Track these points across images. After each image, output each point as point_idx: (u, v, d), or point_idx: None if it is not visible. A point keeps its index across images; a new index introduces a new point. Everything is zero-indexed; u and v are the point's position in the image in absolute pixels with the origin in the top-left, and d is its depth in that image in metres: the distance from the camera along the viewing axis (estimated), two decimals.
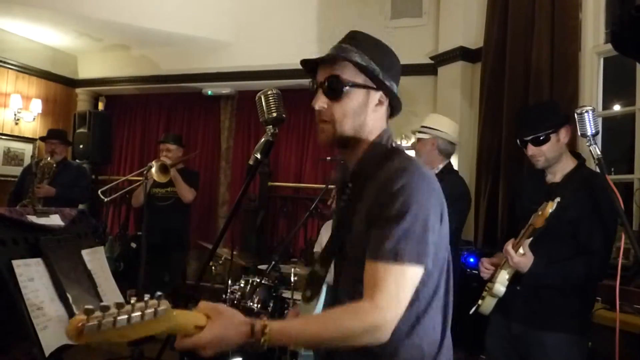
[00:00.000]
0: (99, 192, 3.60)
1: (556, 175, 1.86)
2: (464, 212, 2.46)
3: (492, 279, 1.83)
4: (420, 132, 2.44)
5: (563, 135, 1.81)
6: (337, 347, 1.01)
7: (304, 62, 1.15)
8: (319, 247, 3.33)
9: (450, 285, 1.12)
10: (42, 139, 4.34)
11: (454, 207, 2.34)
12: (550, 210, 1.63)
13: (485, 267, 1.88)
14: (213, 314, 0.92)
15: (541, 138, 1.78)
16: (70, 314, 1.26)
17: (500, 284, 1.75)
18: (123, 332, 0.81)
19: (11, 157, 5.43)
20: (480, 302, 1.85)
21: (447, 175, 2.38)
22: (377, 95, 1.10)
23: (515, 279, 1.76)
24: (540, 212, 1.66)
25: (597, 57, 3.08)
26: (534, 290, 1.78)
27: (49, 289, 1.24)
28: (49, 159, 3.89)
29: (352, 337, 0.94)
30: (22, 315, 1.12)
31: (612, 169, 3.21)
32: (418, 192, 0.98)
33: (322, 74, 1.11)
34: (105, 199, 3.60)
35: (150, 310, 0.81)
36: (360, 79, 1.08)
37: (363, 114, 1.09)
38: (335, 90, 1.08)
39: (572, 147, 2.80)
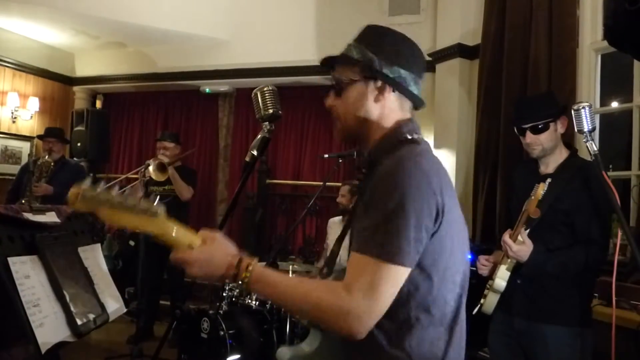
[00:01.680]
0: None
1: (549, 165, 1.87)
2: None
3: (491, 276, 1.83)
4: None
5: (560, 125, 1.83)
6: (304, 318, 1.02)
7: (323, 63, 1.17)
8: (330, 242, 3.34)
9: (462, 302, 1.04)
10: (39, 137, 4.32)
11: None
12: (541, 192, 1.63)
13: (483, 264, 1.88)
14: (209, 239, 1.00)
15: (540, 126, 1.79)
16: (67, 311, 1.26)
17: (501, 279, 1.75)
18: (117, 211, 0.91)
19: (8, 156, 5.41)
20: (482, 301, 1.84)
21: None
22: (376, 85, 1.07)
23: (516, 271, 1.76)
24: (533, 197, 1.66)
25: (595, 53, 3.09)
26: (534, 283, 1.78)
27: (45, 287, 1.24)
28: (46, 157, 3.88)
29: (321, 311, 0.93)
30: (18, 313, 1.12)
31: (610, 166, 3.21)
32: (408, 187, 0.93)
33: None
34: None
35: (145, 205, 0.93)
36: (354, 73, 1.08)
37: (363, 106, 1.08)
38: (337, 88, 1.11)
39: (569, 142, 2.81)
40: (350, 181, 3.65)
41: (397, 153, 1.01)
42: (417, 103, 1.11)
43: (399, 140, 1.05)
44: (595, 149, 1.63)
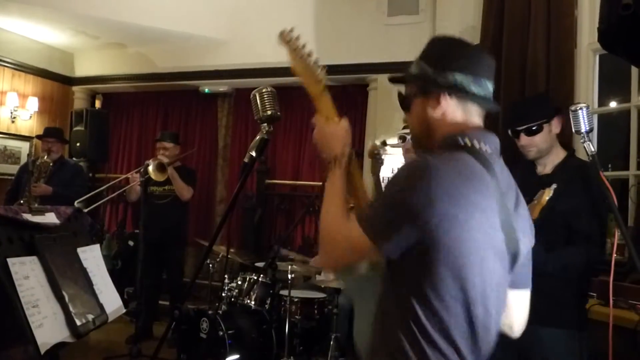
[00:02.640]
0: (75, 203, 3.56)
1: (546, 166, 1.87)
2: None
3: None
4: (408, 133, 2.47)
5: (554, 126, 1.83)
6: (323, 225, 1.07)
7: (391, 80, 1.23)
8: None
9: (486, 323, 0.97)
10: (38, 137, 4.32)
11: None
12: (547, 198, 1.60)
13: None
14: (342, 121, 1.21)
15: (533, 128, 1.79)
16: (66, 312, 1.27)
17: None
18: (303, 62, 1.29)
19: (7, 156, 5.41)
20: None
21: None
22: (433, 96, 1.06)
23: None
24: (536, 201, 1.64)
25: (593, 54, 3.09)
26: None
27: (45, 287, 1.24)
28: (45, 157, 3.88)
29: (339, 228, 1.03)
30: (17, 314, 1.13)
31: (609, 165, 3.22)
32: (406, 181, 0.95)
33: None
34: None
35: (319, 73, 1.26)
36: (414, 88, 1.12)
37: (424, 117, 1.08)
38: (406, 104, 1.15)
39: (568, 143, 2.82)
40: None
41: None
42: (482, 104, 1.07)
43: (449, 145, 1.02)
44: (593, 149, 1.64)
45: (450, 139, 1.03)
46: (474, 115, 1.07)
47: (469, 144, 1.01)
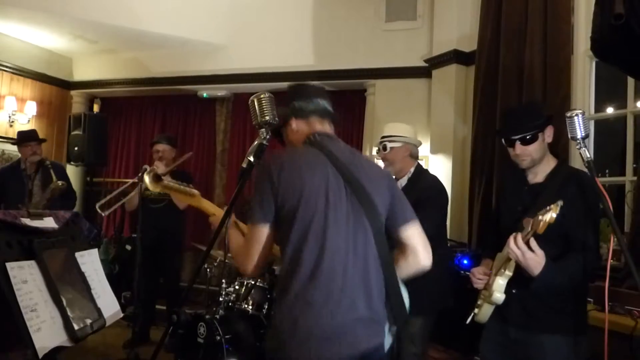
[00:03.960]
0: (97, 206, 3.47)
1: (537, 175, 1.86)
2: (445, 206, 2.55)
3: (486, 287, 1.80)
4: (391, 141, 2.51)
5: (548, 134, 1.83)
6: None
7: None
8: None
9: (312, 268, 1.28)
10: (17, 143, 4.01)
11: (435, 201, 2.37)
12: (554, 215, 1.49)
13: (478, 278, 1.86)
14: (217, 209, 1.85)
15: (528, 137, 1.79)
16: (64, 316, 1.27)
17: (498, 292, 1.68)
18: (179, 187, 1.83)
19: (5, 160, 5.40)
20: (476, 310, 1.81)
21: (423, 175, 2.52)
22: (289, 121, 1.50)
23: (513, 281, 1.71)
24: (540, 218, 1.53)
25: (589, 60, 3.12)
26: (530, 293, 1.74)
27: (43, 291, 1.25)
28: (59, 184, 3.59)
29: (237, 253, 1.52)
30: (16, 318, 1.13)
31: (607, 171, 3.23)
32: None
33: None
34: (104, 214, 3.53)
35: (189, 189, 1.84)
36: (282, 121, 1.55)
37: (289, 137, 1.52)
38: (275, 134, 1.62)
39: (564, 150, 2.83)
40: None
41: None
42: (320, 115, 1.50)
43: (304, 143, 1.45)
44: (589, 155, 1.64)
45: (305, 140, 1.46)
46: (316, 124, 1.47)
47: (312, 139, 1.43)
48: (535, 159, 1.83)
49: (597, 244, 1.75)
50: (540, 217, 1.51)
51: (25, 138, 3.95)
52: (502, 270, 1.69)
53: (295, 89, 1.55)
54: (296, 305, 1.25)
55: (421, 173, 2.52)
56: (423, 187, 2.39)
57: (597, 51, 1.01)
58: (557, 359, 1.73)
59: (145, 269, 3.81)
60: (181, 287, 4.24)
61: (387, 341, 1.39)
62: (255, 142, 1.40)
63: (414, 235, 1.43)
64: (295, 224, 1.28)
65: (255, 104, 1.40)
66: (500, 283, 1.68)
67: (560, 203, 1.51)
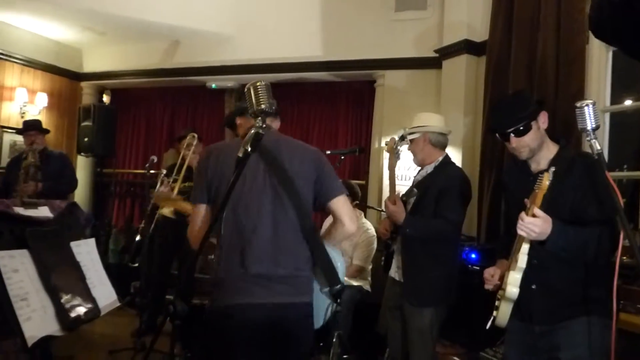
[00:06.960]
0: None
1: (540, 162, 1.81)
2: (468, 198, 2.52)
3: (501, 285, 1.73)
4: (410, 134, 2.51)
5: (541, 121, 1.78)
6: None
7: None
8: None
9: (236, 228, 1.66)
10: (19, 132, 4.24)
11: (457, 192, 2.36)
12: (547, 183, 1.54)
13: (488, 279, 1.80)
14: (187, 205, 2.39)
15: (521, 128, 1.75)
16: (57, 305, 1.26)
17: (513, 286, 1.64)
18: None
19: (17, 151, 5.44)
20: (495, 313, 1.73)
21: (446, 167, 2.51)
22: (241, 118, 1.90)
23: (532, 278, 1.66)
24: (537, 189, 1.57)
25: (606, 50, 3.01)
26: (550, 287, 1.71)
27: (35, 280, 1.24)
28: (29, 157, 3.71)
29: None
30: (4, 306, 1.12)
31: (625, 166, 3.13)
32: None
33: None
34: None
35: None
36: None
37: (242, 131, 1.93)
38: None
39: (576, 142, 2.75)
40: None
41: None
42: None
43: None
44: (599, 147, 1.57)
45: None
46: (251, 119, 1.55)
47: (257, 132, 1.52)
48: (533, 149, 1.78)
49: (612, 220, 1.64)
50: (536, 190, 1.54)
51: (25, 127, 4.09)
52: (515, 264, 1.65)
53: (247, 91, 1.64)
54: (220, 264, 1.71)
55: (448, 164, 2.52)
56: (448, 176, 2.41)
57: (596, 30, 0.95)
58: (587, 340, 1.66)
59: (155, 259, 3.82)
60: (195, 278, 4.24)
61: (322, 299, 1.74)
62: (252, 131, 1.36)
63: (340, 207, 1.72)
64: (219, 202, 1.56)
65: (252, 91, 1.37)
66: (513, 276, 1.64)
67: (552, 169, 1.53)
